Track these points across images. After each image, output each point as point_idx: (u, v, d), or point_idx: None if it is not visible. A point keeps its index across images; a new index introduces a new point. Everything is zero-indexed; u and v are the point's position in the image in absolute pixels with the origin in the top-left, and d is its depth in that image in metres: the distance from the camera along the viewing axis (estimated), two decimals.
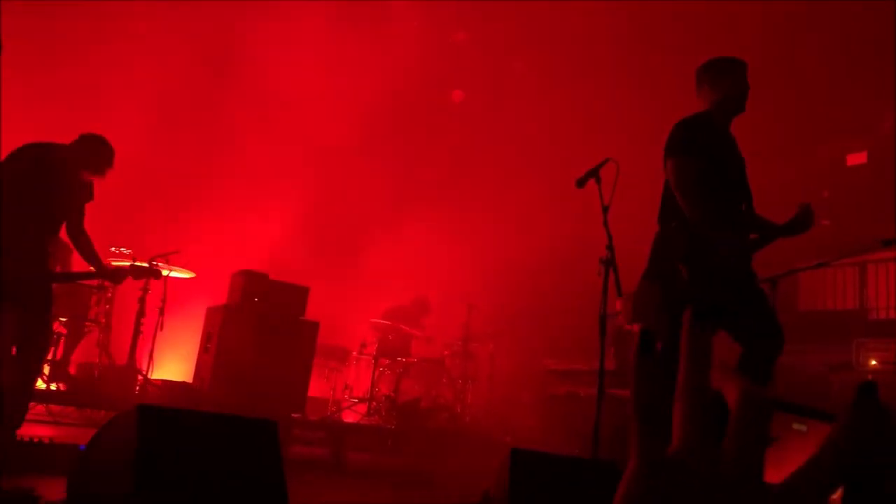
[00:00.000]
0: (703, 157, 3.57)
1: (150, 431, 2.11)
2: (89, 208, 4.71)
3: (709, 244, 3.47)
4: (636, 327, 6.47)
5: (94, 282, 6.18)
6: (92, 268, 4.66)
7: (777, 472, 0.48)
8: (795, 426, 0.51)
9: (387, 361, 7.52)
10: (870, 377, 6.51)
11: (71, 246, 4.81)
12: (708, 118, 3.75)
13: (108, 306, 6.50)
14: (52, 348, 5.88)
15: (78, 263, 5.37)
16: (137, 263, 5.09)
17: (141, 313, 6.38)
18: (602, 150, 4.09)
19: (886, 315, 8.53)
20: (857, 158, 9.88)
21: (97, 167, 4.64)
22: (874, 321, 8.32)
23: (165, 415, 2.31)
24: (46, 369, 5.80)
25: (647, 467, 0.47)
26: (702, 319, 0.49)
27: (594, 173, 3.83)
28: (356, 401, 7.65)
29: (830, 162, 9.68)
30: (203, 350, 6.28)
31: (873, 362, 6.68)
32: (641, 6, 8.59)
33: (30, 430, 4.13)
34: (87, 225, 4.67)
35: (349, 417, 7.43)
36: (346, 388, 7.99)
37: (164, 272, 6.34)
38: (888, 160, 8.59)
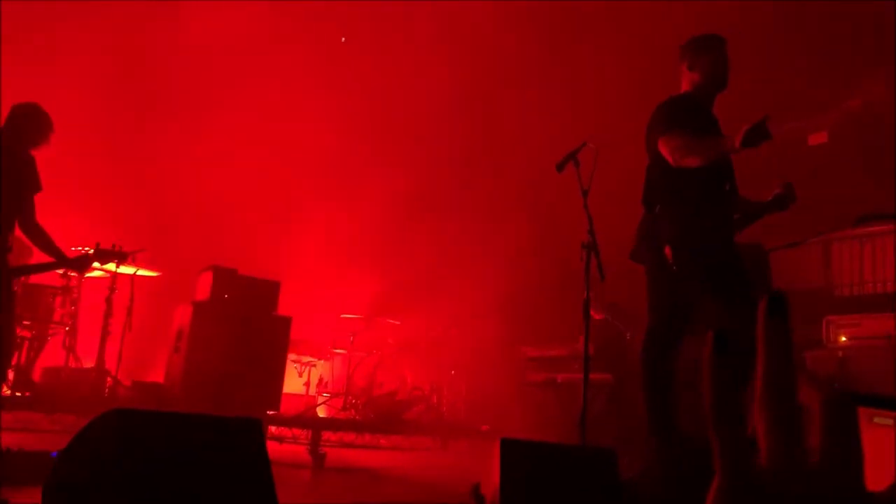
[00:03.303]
0: (688, 128, 3.56)
1: (131, 436, 2.02)
2: (47, 207, 4.54)
3: (694, 226, 3.46)
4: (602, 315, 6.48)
5: (59, 282, 6.00)
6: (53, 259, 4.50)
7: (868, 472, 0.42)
8: (877, 420, 0.46)
9: (362, 354, 7.44)
10: (840, 354, 6.62)
11: (28, 244, 4.63)
12: (689, 98, 3.75)
13: (73, 308, 6.31)
14: (16, 353, 5.70)
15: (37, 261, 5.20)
16: (101, 248, 4.92)
17: (108, 313, 6.22)
18: (580, 132, 4.06)
19: (851, 292, 8.67)
20: (818, 138, 9.99)
21: (39, 135, 4.45)
22: (840, 297, 8.44)
23: (145, 418, 2.21)
24: (10, 375, 5.62)
25: (735, 481, 0.41)
26: (781, 313, 0.43)
27: (573, 157, 3.79)
28: (327, 396, 7.56)
29: (792, 142, 9.77)
30: (174, 349, 6.15)
31: (843, 339, 6.77)
32: None
33: None
34: (46, 224, 4.51)
35: (325, 413, 7.34)
36: (320, 383, 7.89)
37: (130, 270, 6.20)
38: (849, 140, 8.72)
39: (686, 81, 3.78)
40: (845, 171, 8.03)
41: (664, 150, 3.56)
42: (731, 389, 0.42)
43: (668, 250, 3.45)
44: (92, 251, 4.64)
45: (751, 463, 0.41)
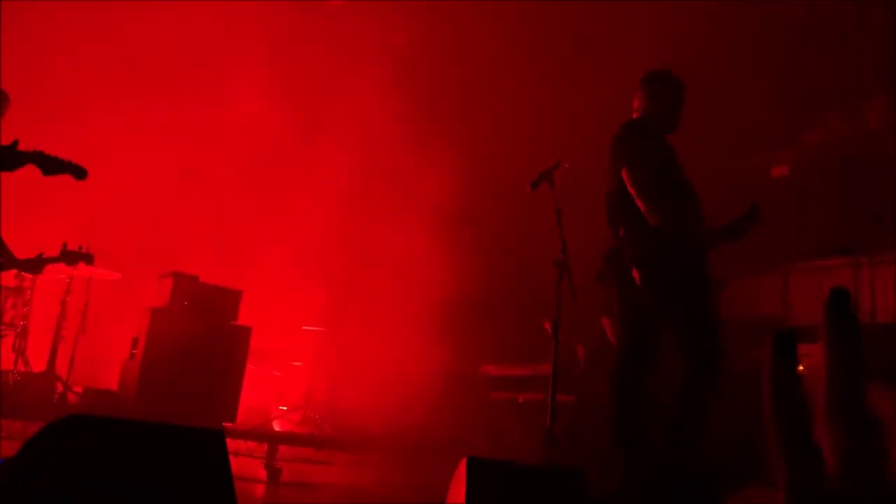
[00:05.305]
0: (652, 160, 3.60)
1: (88, 442, 1.93)
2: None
3: (661, 247, 3.49)
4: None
5: (11, 283, 5.81)
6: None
7: None
8: None
9: (322, 367, 7.33)
10: None
11: None
12: (643, 124, 3.83)
13: (25, 309, 6.09)
14: None
15: None
16: (68, 249, 4.78)
17: (62, 317, 6.03)
18: (550, 148, 4.08)
19: (807, 321, 8.79)
20: (779, 170, 10.18)
21: None
22: (797, 327, 8.55)
23: (103, 424, 2.12)
24: None
25: (802, 494, 0.37)
26: (849, 326, 0.40)
27: (547, 176, 3.78)
28: (285, 409, 7.42)
29: (755, 174, 9.93)
30: (129, 356, 5.98)
31: (800, 367, 6.87)
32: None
33: None
34: None
35: (283, 426, 7.20)
36: (280, 395, 7.75)
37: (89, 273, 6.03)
38: (809, 172, 8.90)
39: (641, 109, 3.86)
40: (806, 204, 8.18)
41: (629, 183, 3.59)
42: (793, 393, 0.39)
43: (634, 271, 3.49)
44: (59, 252, 4.52)
45: (818, 476, 0.37)
